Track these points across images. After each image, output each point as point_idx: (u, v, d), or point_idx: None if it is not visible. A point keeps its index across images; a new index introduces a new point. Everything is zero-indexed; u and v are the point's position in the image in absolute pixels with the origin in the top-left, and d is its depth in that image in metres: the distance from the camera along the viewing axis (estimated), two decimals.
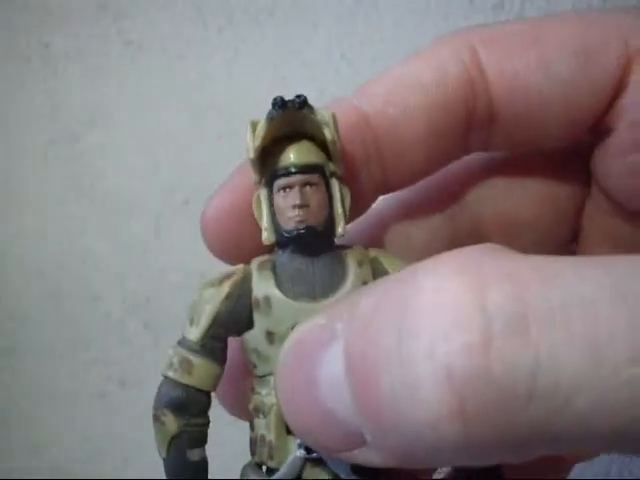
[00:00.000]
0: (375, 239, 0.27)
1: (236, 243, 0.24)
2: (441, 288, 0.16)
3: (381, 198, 0.26)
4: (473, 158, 0.27)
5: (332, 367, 0.18)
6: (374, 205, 0.26)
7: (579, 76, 0.23)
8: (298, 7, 0.48)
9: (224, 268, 0.23)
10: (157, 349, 0.52)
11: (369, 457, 0.18)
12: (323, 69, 0.48)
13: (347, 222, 0.23)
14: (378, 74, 0.25)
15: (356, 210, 0.24)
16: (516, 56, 0.24)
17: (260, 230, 0.22)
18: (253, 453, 0.23)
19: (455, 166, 0.27)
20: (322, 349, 0.18)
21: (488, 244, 0.18)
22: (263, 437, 0.22)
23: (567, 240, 0.28)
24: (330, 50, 0.48)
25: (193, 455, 0.22)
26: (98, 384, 0.53)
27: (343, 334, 0.18)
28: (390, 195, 0.27)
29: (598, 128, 0.24)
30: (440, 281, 0.17)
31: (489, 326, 0.16)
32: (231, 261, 0.24)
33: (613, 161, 0.24)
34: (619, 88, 0.23)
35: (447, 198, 0.27)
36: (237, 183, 0.24)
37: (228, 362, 0.23)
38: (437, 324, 0.16)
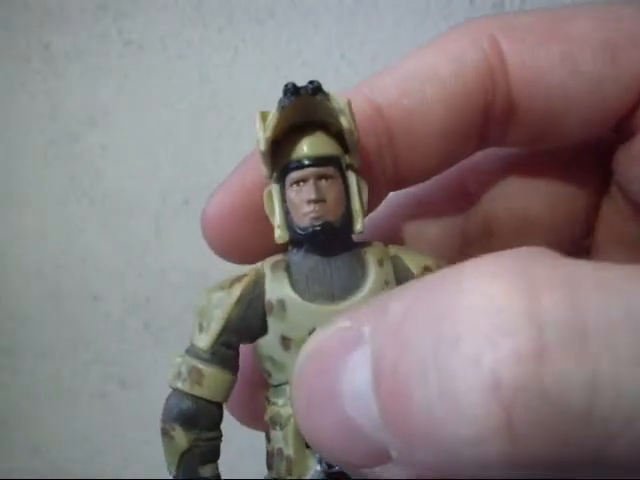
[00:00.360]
0: (388, 235, 0.26)
1: (238, 241, 0.23)
2: (485, 291, 0.15)
3: (393, 194, 0.25)
4: (487, 156, 0.26)
5: (357, 376, 0.16)
6: (385, 201, 0.25)
7: (605, 73, 0.22)
8: (298, 7, 0.48)
9: (225, 268, 0.22)
10: (157, 349, 0.52)
11: (393, 474, 0.17)
12: (323, 69, 0.48)
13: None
14: (390, 66, 0.23)
15: (368, 206, 0.23)
16: (538, 48, 0.22)
17: (265, 227, 0.21)
18: (270, 467, 0.21)
19: (469, 163, 0.26)
20: (346, 354, 0.17)
21: (534, 247, 0.16)
22: (281, 451, 0.20)
23: (578, 238, 0.28)
24: (330, 50, 0.48)
25: (205, 471, 0.20)
26: (98, 384, 0.53)
27: (371, 339, 0.16)
28: (403, 191, 0.26)
29: (622, 128, 0.23)
30: (483, 284, 0.15)
31: (541, 334, 0.14)
32: (233, 259, 0.24)
33: (636, 164, 0.23)
34: None
35: (460, 195, 0.27)
36: (239, 180, 0.23)
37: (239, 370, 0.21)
38: (482, 329, 0.14)
